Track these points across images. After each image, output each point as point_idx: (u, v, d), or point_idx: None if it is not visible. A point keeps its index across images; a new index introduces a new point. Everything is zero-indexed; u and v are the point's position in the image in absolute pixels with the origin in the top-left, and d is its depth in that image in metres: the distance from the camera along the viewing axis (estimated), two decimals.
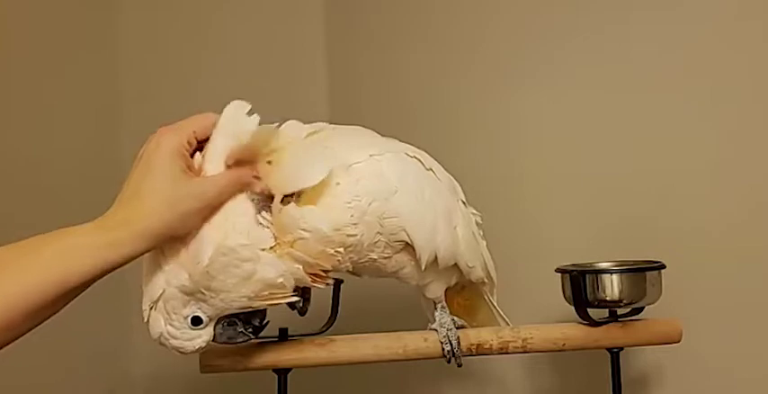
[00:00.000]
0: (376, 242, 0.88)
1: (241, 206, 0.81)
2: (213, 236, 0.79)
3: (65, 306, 0.73)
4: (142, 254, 0.75)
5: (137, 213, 0.73)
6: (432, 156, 0.96)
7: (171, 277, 0.80)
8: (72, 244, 0.71)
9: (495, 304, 1.06)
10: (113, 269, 0.73)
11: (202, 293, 0.80)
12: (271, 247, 0.82)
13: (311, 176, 0.83)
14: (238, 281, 0.80)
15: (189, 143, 0.79)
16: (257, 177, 0.82)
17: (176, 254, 0.79)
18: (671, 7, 1.17)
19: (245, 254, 0.80)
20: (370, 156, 0.88)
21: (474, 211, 1.03)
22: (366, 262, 0.89)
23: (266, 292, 0.82)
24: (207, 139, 0.81)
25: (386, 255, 0.90)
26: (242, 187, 0.81)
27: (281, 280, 0.82)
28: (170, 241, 0.78)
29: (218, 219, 0.80)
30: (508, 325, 1.05)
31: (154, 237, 0.74)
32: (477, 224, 1.03)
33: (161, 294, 0.80)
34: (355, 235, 0.85)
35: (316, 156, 0.84)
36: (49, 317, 0.72)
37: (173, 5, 1.45)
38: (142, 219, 0.73)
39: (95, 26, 1.40)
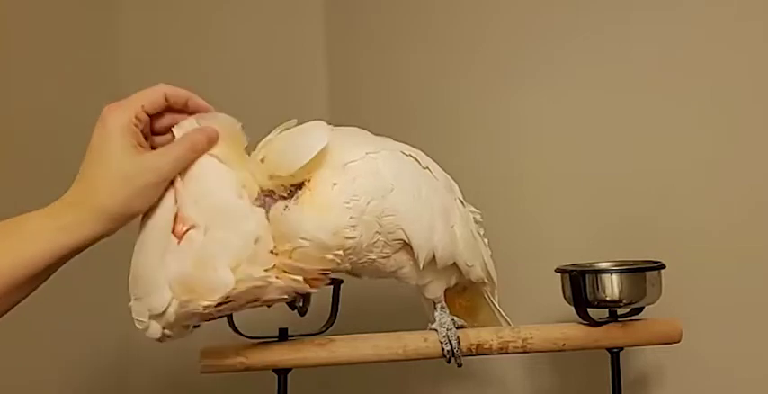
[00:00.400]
0: (375, 242, 0.87)
1: (264, 237, 0.80)
2: (228, 261, 0.77)
3: (32, 291, 0.71)
4: (102, 236, 0.73)
5: (90, 193, 0.72)
6: (432, 155, 0.96)
7: (183, 301, 0.77)
8: (26, 230, 0.70)
9: (497, 305, 1.06)
10: (74, 253, 0.71)
11: (212, 315, 0.80)
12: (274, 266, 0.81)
13: (311, 146, 0.82)
14: (246, 302, 0.81)
15: (138, 118, 0.76)
16: (213, 139, 0.79)
17: (187, 278, 0.76)
18: (671, 7, 1.17)
19: (260, 283, 0.80)
20: (366, 153, 0.87)
21: (473, 209, 1.02)
22: (365, 262, 0.89)
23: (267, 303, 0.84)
24: (157, 114, 0.80)
25: (385, 255, 0.90)
26: (198, 154, 0.78)
27: (285, 296, 0.83)
28: (171, 252, 0.76)
29: (233, 241, 0.78)
30: (508, 323, 1.05)
31: (110, 217, 0.72)
32: (477, 222, 1.03)
33: (165, 310, 0.77)
34: (354, 237, 0.85)
35: (310, 130, 0.84)
36: (15, 304, 0.71)
37: (173, 5, 1.45)
38: (96, 198, 0.71)
39: (95, 26, 1.40)
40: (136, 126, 0.76)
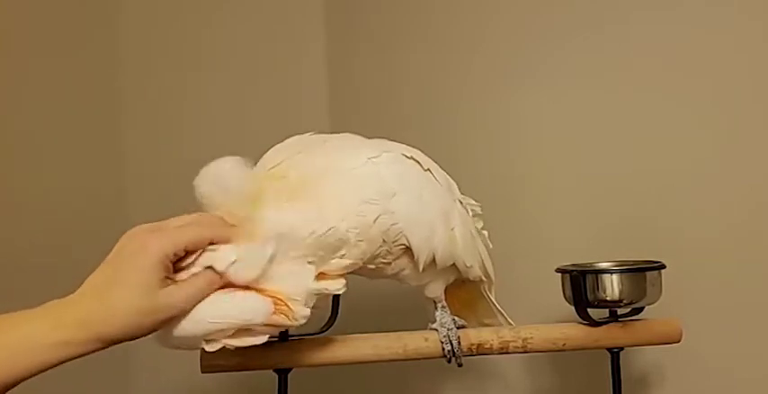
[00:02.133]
0: (378, 254, 0.88)
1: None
2: None
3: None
4: (95, 352, 0.71)
5: (99, 318, 0.69)
6: (431, 156, 0.96)
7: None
8: (24, 338, 0.67)
9: (494, 300, 1.06)
10: (60, 364, 0.69)
11: None
12: None
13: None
14: None
15: (176, 254, 0.73)
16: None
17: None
18: (671, 7, 1.17)
19: None
20: (368, 159, 0.87)
21: (472, 202, 1.02)
22: (363, 269, 0.89)
23: None
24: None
25: (386, 262, 0.90)
26: (215, 288, 0.75)
27: None
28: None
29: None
30: (506, 318, 1.06)
31: (111, 342, 0.70)
32: (476, 215, 1.02)
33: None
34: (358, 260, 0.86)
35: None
36: None
37: (173, 6, 1.45)
38: (104, 325, 0.69)
39: (95, 26, 1.40)
40: (171, 261, 0.73)
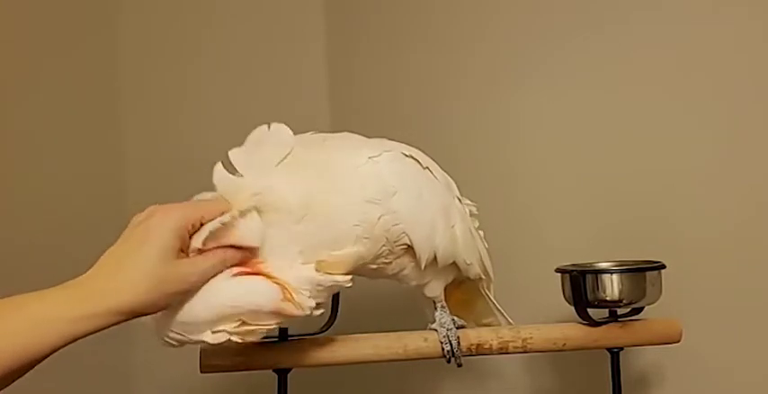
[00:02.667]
0: (380, 254, 0.88)
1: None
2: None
3: (23, 375, 0.69)
4: (113, 326, 0.71)
5: (116, 289, 0.70)
6: (431, 156, 0.96)
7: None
8: (42, 314, 0.67)
9: (493, 299, 1.06)
10: (79, 339, 0.69)
11: None
12: None
13: None
14: None
15: (194, 226, 0.76)
16: (246, 260, 0.78)
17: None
18: (671, 7, 1.17)
19: None
20: (369, 158, 0.87)
21: (468, 202, 1.02)
22: (364, 269, 0.89)
23: None
24: None
25: (387, 261, 0.90)
26: (226, 267, 0.77)
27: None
28: None
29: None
30: (505, 316, 1.06)
31: (128, 314, 0.70)
32: (472, 215, 1.02)
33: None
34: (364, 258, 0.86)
35: None
36: (11, 383, 0.68)
37: (172, 5, 1.45)
38: (118, 297, 0.69)
39: (95, 26, 1.40)
40: (188, 232, 0.75)
